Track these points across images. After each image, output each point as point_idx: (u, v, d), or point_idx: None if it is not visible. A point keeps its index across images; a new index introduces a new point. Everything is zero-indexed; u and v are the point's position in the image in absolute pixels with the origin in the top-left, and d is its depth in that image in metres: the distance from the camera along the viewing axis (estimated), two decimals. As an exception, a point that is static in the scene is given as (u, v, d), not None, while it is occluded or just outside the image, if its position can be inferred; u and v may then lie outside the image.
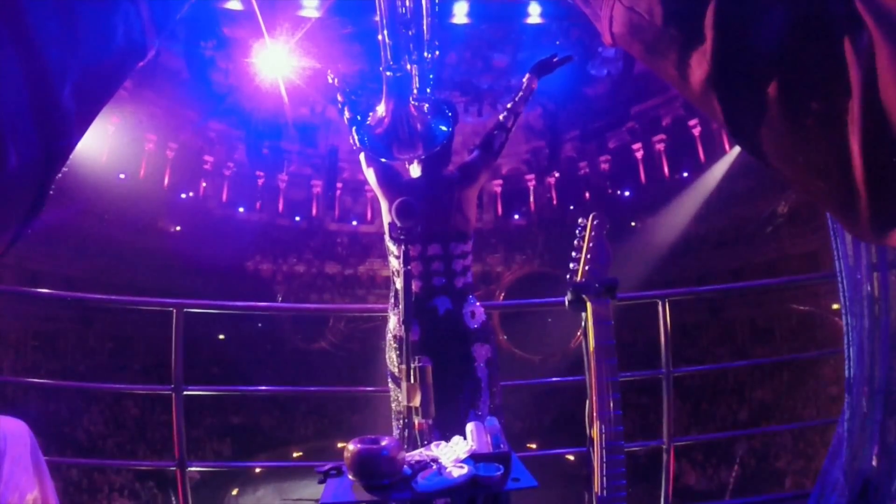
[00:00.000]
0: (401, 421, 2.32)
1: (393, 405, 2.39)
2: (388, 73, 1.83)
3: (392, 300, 2.39)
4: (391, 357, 2.38)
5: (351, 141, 2.36)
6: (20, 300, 13.19)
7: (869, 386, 2.19)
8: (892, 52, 0.47)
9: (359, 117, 2.34)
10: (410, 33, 1.76)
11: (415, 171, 2.47)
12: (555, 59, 2.56)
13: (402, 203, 2.12)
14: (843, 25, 0.50)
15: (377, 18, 1.72)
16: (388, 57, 1.76)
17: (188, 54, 13.51)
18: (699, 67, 0.59)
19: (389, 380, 2.42)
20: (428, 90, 2.05)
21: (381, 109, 2.07)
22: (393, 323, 2.36)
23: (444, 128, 2.18)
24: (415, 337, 2.23)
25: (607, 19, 0.70)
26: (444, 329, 2.31)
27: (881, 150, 0.49)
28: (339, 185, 19.83)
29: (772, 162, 0.59)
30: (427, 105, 2.12)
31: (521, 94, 2.51)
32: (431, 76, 2.03)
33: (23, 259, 12.93)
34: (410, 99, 2.01)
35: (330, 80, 2.62)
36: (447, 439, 1.90)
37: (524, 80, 2.54)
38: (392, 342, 2.37)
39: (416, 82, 2.00)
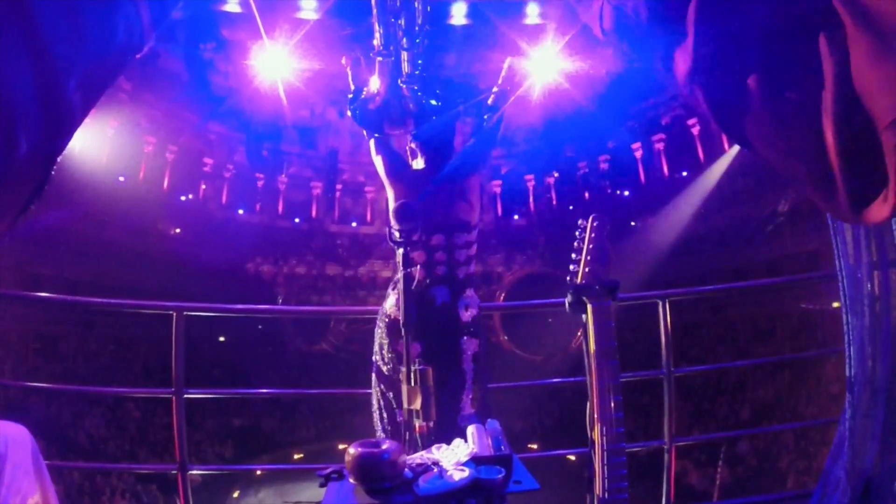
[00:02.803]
0: (383, 413, 2.35)
1: (374, 400, 2.41)
2: (379, 59, 1.91)
3: (392, 285, 2.42)
4: (382, 341, 2.38)
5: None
6: (21, 303, 13.19)
7: (870, 385, 2.19)
8: (867, 43, 0.48)
9: (350, 95, 2.39)
10: (401, 22, 1.84)
11: (418, 164, 2.50)
12: None
13: (402, 206, 2.13)
14: (820, 21, 0.51)
15: (373, 11, 1.81)
16: (380, 44, 1.84)
17: (188, 57, 13.51)
18: (683, 62, 0.60)
19: (374, 373, 2.41)
20: (417, 72, 2.13)
21: (374, 85, 2.14)
22: (391, 302, 2.36)
23: (434, 102, 2.23)
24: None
25: (598, 17, 0.72)
26: (437, 320, 2.33)
27: (853, 132, 0.50)
28: (339, 186, 19.82)
29: (755, 148, 0.60)
30: (416, 86, 2.20)
31: (502, 74, 2.55)
32: (420, 61, 2.11)
33: (24, 262, 12.92)
34: (399, 82, 2.09)
35: (343, 64, 2.64)
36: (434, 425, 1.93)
37: (509, 60, 2.56)
38: (384, 320, 2.37)
39: (406, 67, 2.08)
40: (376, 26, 1.89)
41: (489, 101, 2.55)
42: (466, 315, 2.38)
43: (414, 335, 2.18)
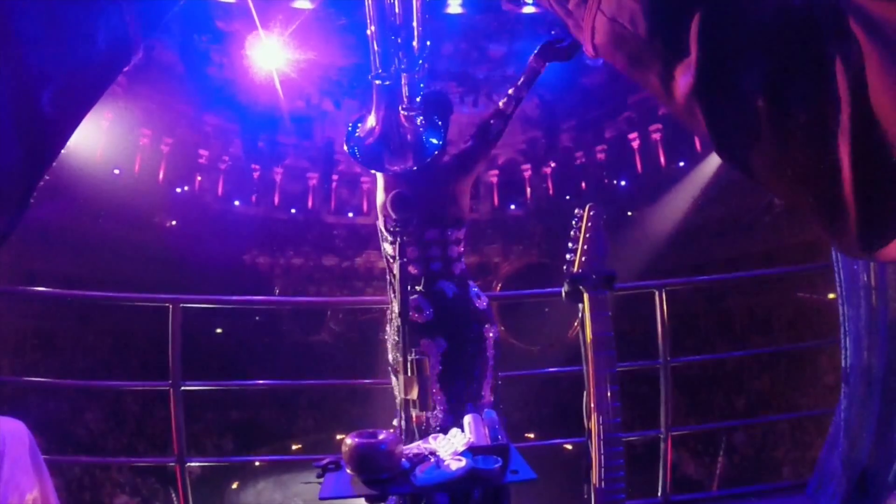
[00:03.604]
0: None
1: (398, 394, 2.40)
2: (377, 82, 1.82)
3: (391, 287, 2.40)
4: (396, 342, 2.36)
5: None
6: (18, 299, 13.15)
7: (866, 376, 2.19)
8: (884, 60, 0.46)
9: (349, 127, 2.32)
10: (399, 41, 1.75)
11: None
12: (563, 44, 2.47)
13: (397, 195, 2.12)
14: (832, 37, 0.49)
15: (368, 30, 1.71)
16: (377, 64, 1.75)
17: (183, 48, 13.44)
18: (683, 80, 0.57)
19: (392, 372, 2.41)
20: (418, 99, 2.04)
21: (371, 120, 2.06)
22: (397, 306, 2.35)
23: (434, 140, 2.16)
24: (428, 317, 2.26)
25: (589, 30, 0.69)
26: (456, 310, 2.33)
27: (871, 159, 0.48)
28: (335, 177, 19.76)
29: (759, 176, 0.58)
30: (421, 118, 2.11)
31: (523, 78, 2.46)
32: (422, 84, 2.02)
33: (19, 258, 12.87)
34: (400, 108, 2.00)
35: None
36: (458, 419, 1.93)
37: (530, 61, 2.47)
38: (395, 328, 2.35)
39: (405, 91, 1.98)
40: (374, 45, 1.79)
41: (500, 104, 2.49)
42: (481, 304, 2.39)
43: (435, 332, 2.19)
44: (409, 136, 2.08)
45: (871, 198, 0.50)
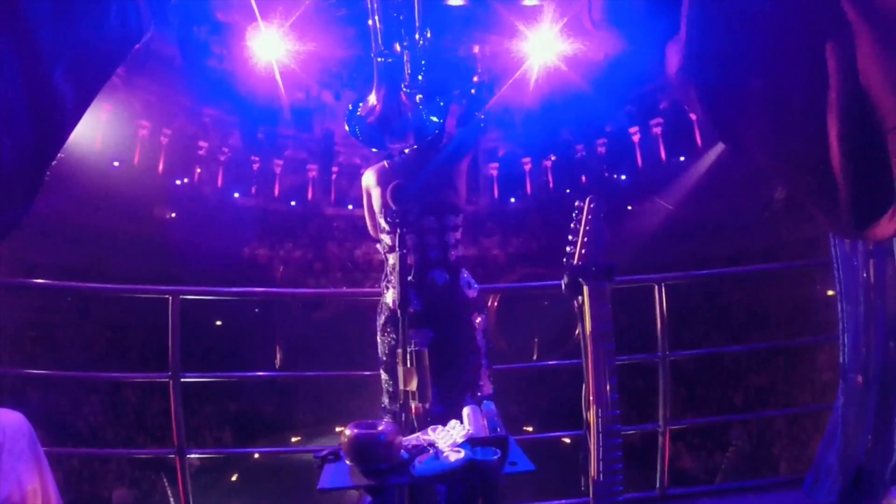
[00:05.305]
0: (395, 402, 2.36)
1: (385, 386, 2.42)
2: (379, 59, 1.81)
3: (386, 279, 2.42)
4: (387, 334, 2.38)
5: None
6: (16, 291, 13.12)
7: (864, 373, 2.20)
8: (874, 40, 0.46)
9: (350, 107, 2.32)
10: (401, 18, 1.74)
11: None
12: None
13: (397, 186, 2.13)
14: (825, 18, 0.49)
15: (368, 5, 1.70)
16: (379, 42, 1.74)
17: (181, 40, 13.33)
18: (675, 55, 0.57)
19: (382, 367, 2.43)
20: (420, 77, 2.03)
21: (372, 98, 2.05)
22: (390, 296, 2.36)
23: (435, 119, 2.16)
24: (417, 308, 2.27)
25: (587, 5, 0.69)
26: (444, 300, 2.34)
27: (859, 134, 0.48)
28: (335, 168, 19.72)
29: (752, 154, 0.58)
30: (420, 95, 2.10)
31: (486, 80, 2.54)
32: (423, 62, 2.01)
33: (18, 250, 12.83)
34: (402, 86, 1.99)
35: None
36: (451, 409, 1.94)
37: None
38: (384, 314, 2.37)
39: (407, 68, 1.98)
40: (377, 22, 1.77)
41: (472, 92, 2.54)
42: (471, 293, 2.40)
43: (422, 323, 2.20)
44: (409, 115, 2.08)
45: (858, 173, 0.50)
